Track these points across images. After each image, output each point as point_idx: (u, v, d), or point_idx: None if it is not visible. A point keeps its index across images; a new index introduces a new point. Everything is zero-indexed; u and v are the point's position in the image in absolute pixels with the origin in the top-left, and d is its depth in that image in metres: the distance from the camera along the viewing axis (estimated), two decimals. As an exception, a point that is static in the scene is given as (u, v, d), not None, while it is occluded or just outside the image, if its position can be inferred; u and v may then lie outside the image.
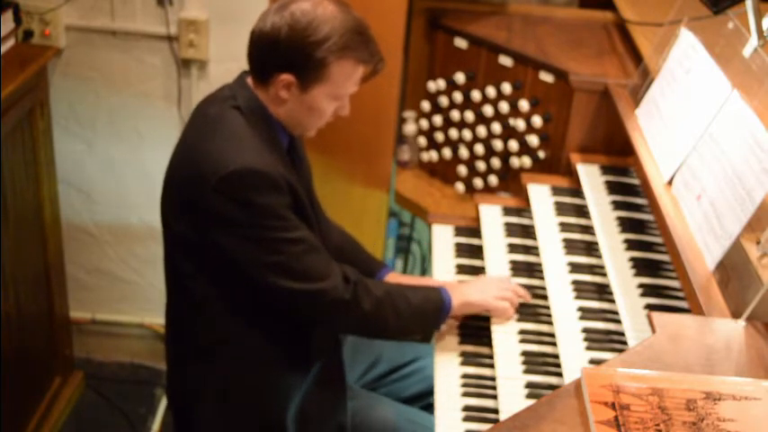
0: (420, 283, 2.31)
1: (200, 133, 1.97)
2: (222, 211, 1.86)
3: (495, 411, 1.99)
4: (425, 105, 3.00)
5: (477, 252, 2.54)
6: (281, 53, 1.90)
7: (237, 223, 1.87)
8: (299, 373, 2.10)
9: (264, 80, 1.95)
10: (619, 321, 1.99)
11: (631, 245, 2.18)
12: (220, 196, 1.85)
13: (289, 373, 2.08)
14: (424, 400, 2.35)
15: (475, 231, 2.63)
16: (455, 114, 2.92)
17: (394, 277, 2.36)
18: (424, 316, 2.12)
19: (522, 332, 2.17)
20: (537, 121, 2.72)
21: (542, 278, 2.27)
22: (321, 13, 1.89)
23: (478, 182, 2.92)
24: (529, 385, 2.01)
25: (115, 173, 3.11)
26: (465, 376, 2.11)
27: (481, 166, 2.91)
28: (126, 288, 3.30)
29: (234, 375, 2.05)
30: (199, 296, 2.02)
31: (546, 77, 2.69)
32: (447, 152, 2.98)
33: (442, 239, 2.63)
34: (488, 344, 2.18)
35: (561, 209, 2.49)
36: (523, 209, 2.63)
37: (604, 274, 2.15)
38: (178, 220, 1.97)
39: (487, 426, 1.95)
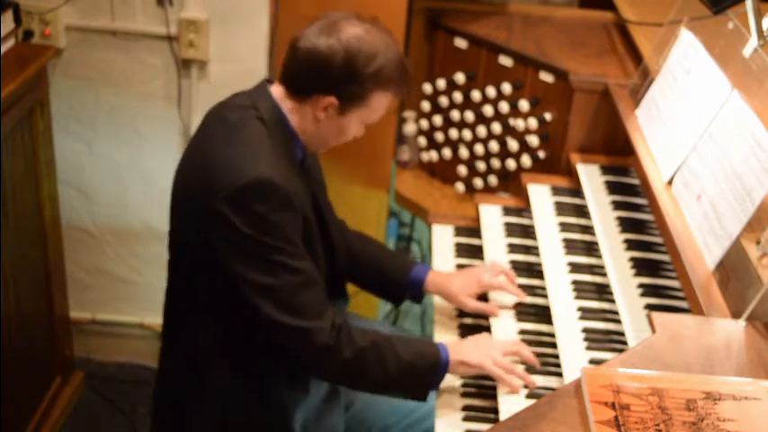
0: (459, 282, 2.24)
1: (217, 139, 1.92)
2: (231, 220, 1.81)
3: (495, 411, 1.99)
4: (425, 105, 3.00)
5: (477, 252, 2.54)
6: (332, 77, 1.87)
7: (242, 235, 1.82)
8: (299, 390, 2.07)
9: (302, 97, 1.92)
10: (619, 321, 1.99)
11: (631, 245, 2.19)
12: (232, 205, 1.81)
13: (288, 390, 2.05)
14: None
15: (475, 231, 2.63)
16: (455, 114, 2.92)
17: (437, 276, 2.27)
18: (414, 373, 1.97)
19: (522, 332, 2.17)
20: (537, 121, 2.72)
21: (542, 278, 2.27)
22: (375, 43, 1.88)
23: (478, 182, 2.92)
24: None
25: (115, 173, 3.11)
26: (465, 376, 2.11)
27: (481, 166, 2.91)
28: (126, 288, 3.30)
29: (232, 390, 2.02)
30: (198, 306, 2.00)
31: (546, 77, 2.69)
32: (447, 152, 2.98)
33: (442, 239, 2.63)
34: (488, 344, 2.18)
35: (561, 209, 2.49)
36: (523, 209, 2.63)
37: (604, 274, 2.15)
38: (186, 230, 1.95)
39: (487, 426, 1.94)
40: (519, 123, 2.76)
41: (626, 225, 2.26)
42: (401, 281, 2.27)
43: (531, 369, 2.05)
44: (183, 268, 2.03)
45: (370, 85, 1.89)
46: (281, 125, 1.93)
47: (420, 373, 1.99)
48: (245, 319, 1.94)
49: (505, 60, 2.78)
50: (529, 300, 2.27)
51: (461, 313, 2.30)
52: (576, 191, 2.55)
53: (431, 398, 2.05)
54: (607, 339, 2.01)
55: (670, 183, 2.07)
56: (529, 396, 1.98)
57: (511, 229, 2.55)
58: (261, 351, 2.00)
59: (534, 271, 2.37)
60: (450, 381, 2.08)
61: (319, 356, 1.92)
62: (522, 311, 2.24)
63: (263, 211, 1.82)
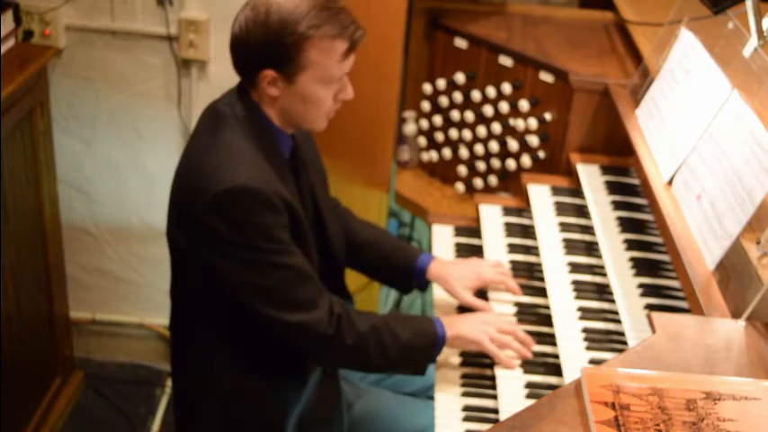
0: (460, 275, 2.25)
1: (200, 143, 1.93)
2: (214, 228, 1.82)
3: (495, 411, 1.99)
4: (425, 105, 3.00)
5: (477, 252, 2.53)
6: (254, 51, 1.85)
7: (228, 242, 1.83)
8: (296, 385, 2.08)
9: (251, 82, 1.91)
10: (619, 321, 1.99)
11: (631, 245, 2.19)
12: (213, 213, 1.81)
13: (286, 385, 2.06)
14: (425, 394, 2.34)
15: (475, 231, 2.63)
16: (455, 114, 2.92)
17: (438, 264, 2.28)
18: (412, 351, 2.03)
19: (522, 332, 2.17)
20: (537, 121, 2.72)
21: (542, 278, 2.27)
22: (284, 1, 1.83)
23: (478, 182, 2.92)
24: (529, 385, 2.01)
25: (115, 173, 3.11)
26: (465, 376, 2.11)
27: (481, 166, 2.91)
28: (126, 288, 3.30)
29: (232, 387, 2.03)
30: (196, 307, 2.01)
31: (546, 77, 2.69)
32: (447, 152, 2.98)
33: (442, 239, 2.63)
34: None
35: (561, 209, 2.49)
36: (523, 209, 2.63)
37: (604, 274, 2.15)
38: (176, 232, 1.96)
39: (487, 426, 1.95)
40: (519, 123, 2.76)
41: (626, 225, 2.26)
42: (407, 269, 2.29)
43: (530, 368, 2.06)
44: (178, 270, 2.04)
45: (292, 42, 1.83)
46: (259, 120, 1.92)
47: (419, 351, 2.05)
48: (242, 321, 1.95)
49: (505, 60, 2.78)
50: (529, 300, 2.27)
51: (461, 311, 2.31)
52: (576, 191, 2.55)
53: (432, 410, 2.07)
54: (607, 339, 2.01)
55: (670, 183, 2.07)
56: (529, 396, 1.98)
57: (511, 229, 2.55)
58: (259, 351, 2.01)
59: (534, 271, 2.37)
60: (451, 380, 2.09)
61: (322, 346, 1.95)
62: (522, 311, 2.24)
63: (244, 214, 1.82)
